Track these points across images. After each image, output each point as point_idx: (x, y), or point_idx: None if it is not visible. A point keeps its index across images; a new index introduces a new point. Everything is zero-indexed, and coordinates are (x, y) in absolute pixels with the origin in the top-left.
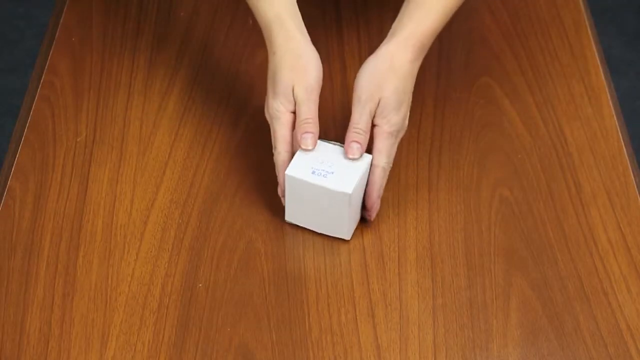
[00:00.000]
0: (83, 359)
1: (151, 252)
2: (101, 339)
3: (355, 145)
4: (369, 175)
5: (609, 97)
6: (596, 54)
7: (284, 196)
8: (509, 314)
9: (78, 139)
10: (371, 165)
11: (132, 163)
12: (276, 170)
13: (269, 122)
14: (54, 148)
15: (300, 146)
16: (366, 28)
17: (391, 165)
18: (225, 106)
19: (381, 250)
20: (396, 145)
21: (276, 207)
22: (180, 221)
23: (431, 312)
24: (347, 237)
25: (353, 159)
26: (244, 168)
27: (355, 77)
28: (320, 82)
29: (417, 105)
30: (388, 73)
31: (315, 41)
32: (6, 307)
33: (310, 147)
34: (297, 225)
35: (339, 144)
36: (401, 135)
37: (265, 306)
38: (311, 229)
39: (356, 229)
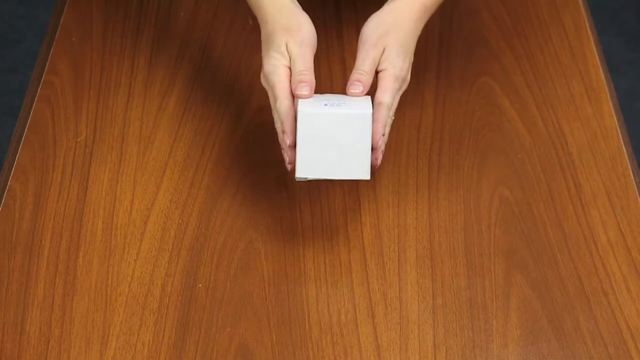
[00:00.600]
0: (83, 359)
1: (151, 252)
2: (101, 339)
3: (357, 82)
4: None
5: (609, 97)
6: (596, 54)
7: (293, 146)
8: (509, 314)
9: (78, 139)
10: (374, 104)
11: (132, 163)
12: (279, 123)
13: (266, 83)
14: (54, 148)
15: (296, 94)
16: None
17: (393, 116)
18: (225, 106)
19: (381, 250)
20: (399, 96)
21: (276, 207)
22: (180, 221)
23: (431, 312)
24: (367, 175)
25: (354, 94)
26: (244, 168)
27: None
28: (315, 44)
29: (417, 106)
30: (393, 25)
31: None
32: (6, 307)
33: (306, 93)
34: (297, 225)
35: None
36: (404, 88)
37: (265, 306)
38: (327, 177)
39: (356, 228)
